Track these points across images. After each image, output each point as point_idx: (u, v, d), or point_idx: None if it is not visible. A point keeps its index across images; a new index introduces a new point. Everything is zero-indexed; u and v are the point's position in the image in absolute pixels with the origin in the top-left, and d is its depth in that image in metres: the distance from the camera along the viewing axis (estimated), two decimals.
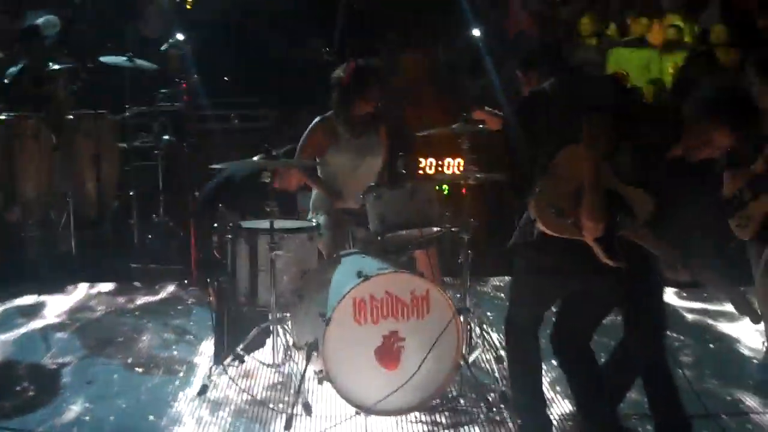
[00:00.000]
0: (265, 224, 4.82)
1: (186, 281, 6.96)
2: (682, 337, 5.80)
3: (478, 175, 5.10)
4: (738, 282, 5.36)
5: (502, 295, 6.60)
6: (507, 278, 4.79)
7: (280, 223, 4.90)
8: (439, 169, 8.03)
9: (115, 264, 7.38)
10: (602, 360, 4.18)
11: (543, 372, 4.18)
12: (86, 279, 7.08)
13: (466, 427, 4.42)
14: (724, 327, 6.05)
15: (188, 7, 9.69)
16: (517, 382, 4.19)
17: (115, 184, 8.12)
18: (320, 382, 4.53)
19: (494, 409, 4.53)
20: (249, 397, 4.74)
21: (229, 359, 4.91)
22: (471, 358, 5.00)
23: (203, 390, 4.78)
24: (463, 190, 5.29)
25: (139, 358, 5.40)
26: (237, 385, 4.85)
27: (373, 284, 4.36)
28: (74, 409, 4.60)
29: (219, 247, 5.19)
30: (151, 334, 5.86)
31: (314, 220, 5.31)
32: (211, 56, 8.72)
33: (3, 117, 7.36)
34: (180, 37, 8.17)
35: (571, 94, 3.80)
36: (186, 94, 7.97)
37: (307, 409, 4.48)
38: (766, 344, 5.38)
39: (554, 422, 4.40)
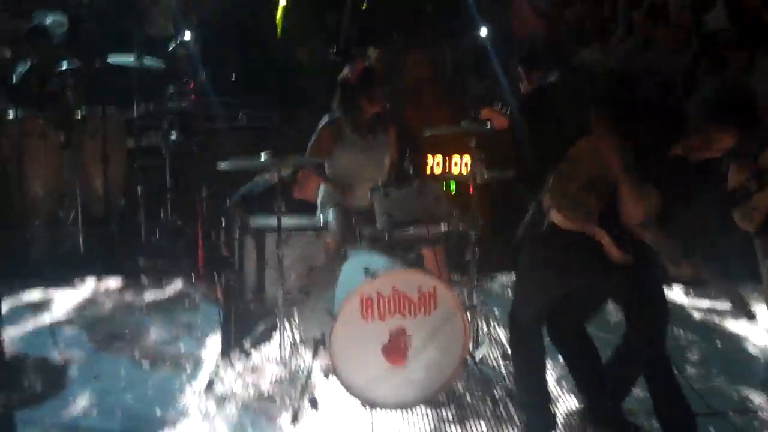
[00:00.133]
0: (272, 221, 4.83)
1: (193, 278, 6.97)
2: (689, 335, 5.79)
3: (486, 174, 5.12)
4: (738, 280, 5.39)
5: (509, 292, 6.60)
6: (514, 275, 4.81)
7: (287, 221, 4.92)
8: (447, 167, 8.03)
9: (122, 261, 7.40)
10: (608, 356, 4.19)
11: (548, 369, 4.18)
12: (94, 274, 7.10)
13: (471, 423, 4.43)
14: (731, 325, 6.04)
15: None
16: (521, 379, 4.21)
17: (123, 182, 8.14)
18: (327, 377, 4.54)
19: (500, 406, 4.54)
20: (255, 392, 4.75)
21: (236, 354, 4.92)
22: (478, 355, 5.01)
23: (210, 384, 4.80)
24: (471, 189, 5.30)
25: (146, 353, 5.41)
26: (244, 380, 4.87)
27: (380, 281, 4.38)
28: (81, 404, 4.62)
29: (227, 244, 5.21)
30: (158, 329, 5.86)
31: (321, 216, 5.32)
32: (219, 55, 8.75)
33: (11, 116, 7.38)
34: (187, 36, 8.19)
35: (577, 88, 3.82)
36: (193, 93, 7.99)
37: (314, 403, 4.49)
38: None
39: (560, 419, 4.42)
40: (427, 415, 4.48)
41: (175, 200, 7.77)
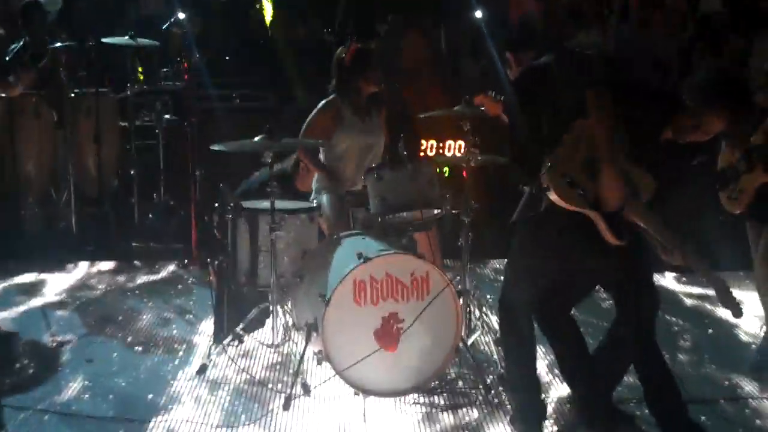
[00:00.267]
0: (265, 204, 4.82)
1: (186, 261, 6.95)
2: (681, 322, 5.81)
3: (479, 158, 5.11)
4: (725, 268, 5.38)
5: (502, 277, 6.58)
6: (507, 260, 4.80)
7: (280, 204, 4.90)
8: (441, 151, 8.02)
9: (115, 243, 7.39)
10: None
11: (541, 355, 4.19)
12: (86, 257, 7.09)
13: (464, 409, 4.43)
14: (722, 312, 6.02)
15: None
16: (511, 364, 4.21)
17: (116, 162, 8.11)
18: (319, 362, 4.54)
19: (492, 392, 4.54)
20: (248, 377, 4.75)
21: (228, 339, 4.92)
22: (470, 341, 5.02)
23: (202, 369, 4.80)
24: (464, 173, 5.28)
25: (138, 336, 5.41)
26: (236, 364, 4.87)
27: (373, 265, 4.36)
28: (73, 387, 4.62)
29: (220, 227, 5.19)
30: (151, 313, 5.87)
31: (315, 201, 5.31)
32: (213, 36, 8.70)
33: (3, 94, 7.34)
34: (181, 15, 8.13)
35: (571, 69, 3.81)
36: (187, 73, 7.94)
37: (306, 389, 4.49)
38: (765, 329, 5.38)
39: (552, 405, 4.42)
40: (419, 402, 4.48)
41: (168, 181, 7.76)
